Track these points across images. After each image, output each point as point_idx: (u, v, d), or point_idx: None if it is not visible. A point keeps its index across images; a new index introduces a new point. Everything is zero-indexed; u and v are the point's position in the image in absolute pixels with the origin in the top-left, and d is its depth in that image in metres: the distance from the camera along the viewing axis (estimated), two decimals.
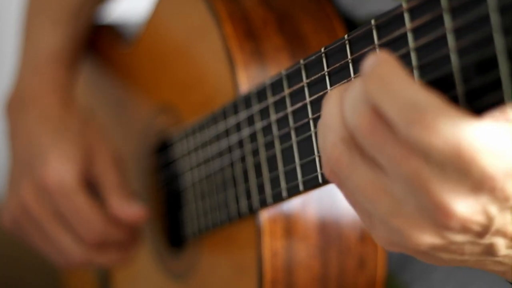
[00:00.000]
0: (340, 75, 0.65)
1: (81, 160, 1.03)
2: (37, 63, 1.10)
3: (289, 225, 0.81)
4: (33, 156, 1.04)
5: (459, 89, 0.53)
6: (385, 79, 0.53)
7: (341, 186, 0.59)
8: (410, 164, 0.52)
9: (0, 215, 1.10)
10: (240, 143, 0.81)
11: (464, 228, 0.53)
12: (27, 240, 1.08)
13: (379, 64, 0.53)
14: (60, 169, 1.01)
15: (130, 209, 1.02)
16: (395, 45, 0.58)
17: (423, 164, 0.52)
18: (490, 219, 0.54)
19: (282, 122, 0.74)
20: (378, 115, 0.53)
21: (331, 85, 0.66)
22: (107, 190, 1.04)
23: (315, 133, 0.69)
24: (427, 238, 0.55)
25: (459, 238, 0.55)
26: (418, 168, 0.52)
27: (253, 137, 0.78)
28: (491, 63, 0.51)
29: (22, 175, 1.05)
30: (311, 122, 0.69)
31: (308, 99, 0.69)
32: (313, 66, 0.68)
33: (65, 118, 1.07)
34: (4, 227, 1.09)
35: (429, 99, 0.51)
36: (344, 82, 0.64)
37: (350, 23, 0.87)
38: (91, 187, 1.05)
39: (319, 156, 0.69)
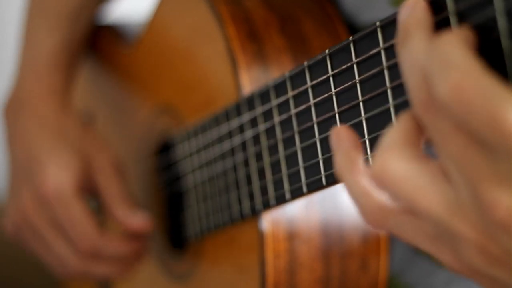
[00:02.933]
0: (344, 77, 0.65)
1: (79, 168, 1.03)
2: (35, 66, 1.10)
3: (292, 227, 0.81)
4: (31, 163, 1.04)
5: None
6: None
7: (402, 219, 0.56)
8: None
9: (1, 220, 1.10)
10: (243, 145, 0.81)
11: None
12: (28, 247, 1.08)
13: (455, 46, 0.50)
14: (58, 177, 1.01)
15: (134, 220, 1.02)
16: None
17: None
18: None
19: (286, 124, 0.73)
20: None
21: (335, 87, 0.66)
22: (111, 202, 1.04)
23: (319, 136, 0.69)
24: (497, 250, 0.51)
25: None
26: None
27: (256, 139, 0.78)
28: (499, 63, 0.50)
29: (22, 182, 1.05)
30: (315, 124, 0.69)
31: (312, 101, 0.69)
32: (317, 68, 0.68)
33: (62, 124, 1.07)
34: (6, 234, 1.10)
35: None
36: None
37: (352, 29, 0.86)
38: (92, 193, 1.05)
39: (323, 158, 0.69)
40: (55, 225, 1.02)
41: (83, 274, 1.05)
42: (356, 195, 0.57)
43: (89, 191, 1.05)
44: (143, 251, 1.06)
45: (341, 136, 0.58)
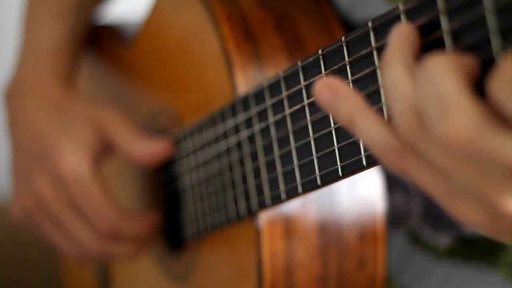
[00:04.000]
0: (338, 77, 0.65)
1: (93, 141, 1.01)
2: (38, 54, 1.09)
3: (289, 226, 0.81)
4: (41, 145, 1.02)
5: None
6: None
7: (413, 161, 0.55)
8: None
9: (0, 220, 1.09)
10: (239, 145, 0.81)
11: None
12: (38, 234, 1.06)
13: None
14: (74, 157, 0.99)
15: (153, 147, 0.98)
16: None
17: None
18: None
19: (280, 124, 0.73)
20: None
21: None
22: (127, 144, 1.00)
23: (313, 135, 0.69)
24: None
25: None
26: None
27: (251, 139, 0.78)
28: (489, 65, 0.51)
29: (33, 166, 1.03)
30: (309, 124, 0.69)
31: (306, 101, 0.69)
32: (310, 68, 0.68)
33: (67, 99, 1.05)
34: (14, 220, 1.08)
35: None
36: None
37: (347, 27, 0.86)
38: (111, 154, 1.03)
39: (318, 158, 0.69)
40: (73, 207, 1.00)
41: (100, 255, 1.03)
42: (373, 136, 0.56)
43: (108, 152, 1.03)
44: (156, 229, 1.04)
45: (340, 94, 0.58)
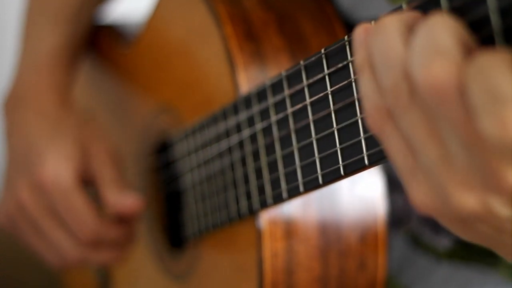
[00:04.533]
0: (340, 76, 0.65)
1: (78, 158, 1.02)
2: (35, 62, 1.10)
3: (290, 226, 0.81)
4: (29, 153, 1.03)
5: None
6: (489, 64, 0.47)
7: (390, 127, 0.55)
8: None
9: None
10: (240, 144, 0.81)
11: None
12: (22, 239, 1.07)
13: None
14: (57, 167, 1.00)
15: (126, 201, 1.00)
16: None
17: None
18: None
19: (283, 123, 0.74)
20: (460, 90, 0.49)
21: (331, 86, 0.66)
22: (103, 185, 1.03)
23: (315, 134, 0.69)
24: (471, 201, 0.51)
25: (504, 211, 0.51)
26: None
27: (253, 138, 0.78)
28: None
29: (19, 174, 1.04)
30: (311, 123, 0.69)
31: (308, 100, 0.69)
32: (313, 67, 0.68)
33: (62, 116, 1.06)
34: (0, 226, 1.09)
35: None
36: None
37: (350, 27, 0.87)
38: (89, 185, 1.05)
39: (320, 157, 0.69)
40: (53, 215, 1.01)
41: (80, 263, 1.04)
42: (367, 91, 0.56)
43: (87, 181, 1.04)
44: (135, 233, 1.05)
45: (362, 34, 0.57)
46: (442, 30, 0.50)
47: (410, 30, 0.53)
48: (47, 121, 1.05)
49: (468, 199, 0.51)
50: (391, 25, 0.54)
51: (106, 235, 1.01)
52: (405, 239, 0.92)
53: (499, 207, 0.51)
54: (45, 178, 1.00)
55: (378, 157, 0.62)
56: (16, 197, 1.03)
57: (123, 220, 1.03)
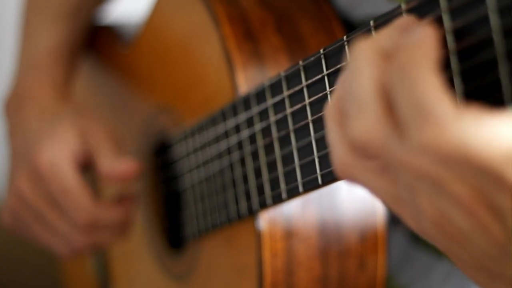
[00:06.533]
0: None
1: (75, 142, 1.00)
2: (35, 61, 1.10)
3: (289, 227, 0.81)
4: (28, 145, 1.02)
5: (458, 90, 0.53)
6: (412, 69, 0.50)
7: (359, 171, 0.57)
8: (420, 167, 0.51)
9: (1, 216, 1.09)
10: (240, 145, 0.81)
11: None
12: (28, 235, 1.05)
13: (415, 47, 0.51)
14: (53, 151, 0.99)
15: (121, 165, 0.98)
16: None
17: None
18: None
19: (282, 123, 0.73)
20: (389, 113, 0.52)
21: (330, 87, 0.66)
22: (99, 157, 1.00)
23: (314, 134, 0.69)
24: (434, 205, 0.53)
25: (461, 223, 0.52)
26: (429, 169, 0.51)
27: (252, 138, 0.78)
28: (491, 65, 0.50)
29: (18, 167, 1.03)
30: (310, 124, 0.69)
31: (307, 101, 0.69)
32: (312, 68, 0.68)
33: (61, 110, 1.05)
34: (5, 226, 1.07)
35: (447, 105, 0.49)
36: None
37: (348, 25, 0.86)
38: (90, 170, 1.02)
39: (319, 157, 0.69)
40: (51, 201, 0.99)
41: (88, 247, 1.02)
42: (334, 141, 0.57)
43: (87, 165, 1.02)
44: (134, 213, 1.03)
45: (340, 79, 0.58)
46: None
47: (385, 57, 0.53)
48: (46, 114, 1.04)
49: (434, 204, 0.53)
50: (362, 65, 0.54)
51: (103, 216, 0.99)
52: (405, 235, 0.92)
53: (456, 217, 0.52)
54: (42, 162, 0.98)
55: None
56: (16, 190, 1.01)
57: (120, 202, 1.01)
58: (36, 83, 1.08)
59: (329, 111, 0.57)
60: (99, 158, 1.00)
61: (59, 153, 0.99)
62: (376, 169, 0.55)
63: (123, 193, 1.02)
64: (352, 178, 0.57)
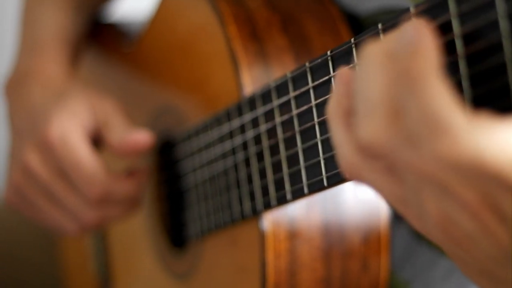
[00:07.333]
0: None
1: (85, 116, 0.97)
2: (39, 44, 1.07)
3: (293, 227, 0.81)
4: (35, 119, 0.98)
5: (467, 95, 0.53)
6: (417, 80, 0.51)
7: (366, 172, 0.58)
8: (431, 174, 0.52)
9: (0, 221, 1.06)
10: (244, 145, 0.81)
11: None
12: (33, 213, 1.01)
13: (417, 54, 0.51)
14: (62, 123, 0.95)
15: (133, 137, 0.95)
16: None
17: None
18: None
19: (287, 124, 0.73)
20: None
21: None
22: (109, 130, 0.97)
23: (320, 136, 0.69)
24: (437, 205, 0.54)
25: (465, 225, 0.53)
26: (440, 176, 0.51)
27: (257, 139, 0.78)
28: (500, 70, 0.50)
29: (23, 140, 0.99)
30: (316, 125, 0.69)
31: (313, 102, 0.69)
32: (318, 69, 0.68)
33: (66, 85, 1.03)
34: (6, 204, 1.03)
35: (457, 115, 0.49)
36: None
37: (353, 19, 0.86)
38: (99, 145, 1.00)
39: (325, 159, 0.69)
40: (63, 175, 0.96)
41: (97, 222, 0.98)
42: (340, 140, 0.57)
43: (96, 141, 0.99)
44: (145, 187, 1.01)
45: (342, 79, 0.58)
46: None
47: (391, 59, 0.53)
48: (51, 90, 1.01)
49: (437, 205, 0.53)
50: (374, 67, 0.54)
51: (115, 190, 0.96)
52: (408, 233, 0.92)
53: (461, 220, 0.53)
54: (52, 135, 0.95)
55: None
56: (23, 164, 0.98)
57: (133, 175, 0.98)
58: (40, 63, 1.05)
59: (333, 110, 0.57)
60: (109, 131, 0.97)
61: (70, 125, 0.96)
62: (382, 169, 0.55)
63: (134, 167, 1.00)
64: (358, 178, 0.57)
